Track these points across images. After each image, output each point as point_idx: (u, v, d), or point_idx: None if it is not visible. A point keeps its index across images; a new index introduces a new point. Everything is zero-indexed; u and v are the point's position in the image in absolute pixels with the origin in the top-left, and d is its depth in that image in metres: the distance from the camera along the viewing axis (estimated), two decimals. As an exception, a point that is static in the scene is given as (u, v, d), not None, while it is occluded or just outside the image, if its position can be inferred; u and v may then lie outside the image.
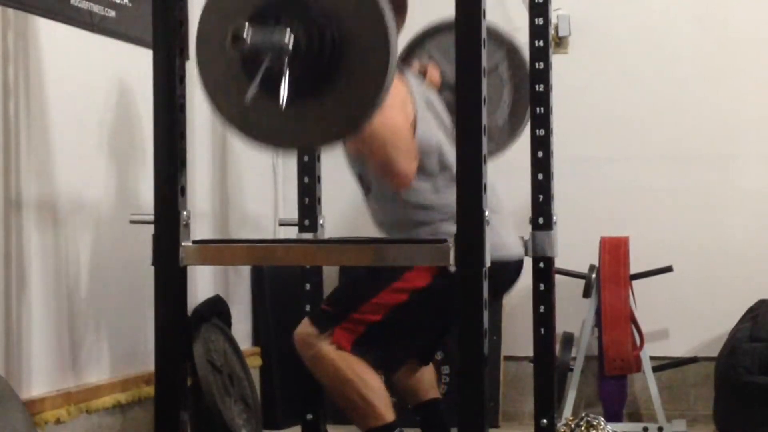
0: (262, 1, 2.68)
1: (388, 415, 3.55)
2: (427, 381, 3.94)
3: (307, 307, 4.06)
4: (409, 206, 3.63)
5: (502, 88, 4.10)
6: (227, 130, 2.84)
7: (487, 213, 2.70)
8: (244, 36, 2.56)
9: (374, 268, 3.60)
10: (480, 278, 2.71)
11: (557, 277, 3.97)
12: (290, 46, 2.62)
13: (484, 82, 2.72)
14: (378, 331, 3.55)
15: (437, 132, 3.66)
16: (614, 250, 4.92)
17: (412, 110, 3.61)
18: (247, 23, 2.57)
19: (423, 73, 3.94)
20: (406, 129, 3.55)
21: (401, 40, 3.91)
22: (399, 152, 3.50)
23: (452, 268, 2.74)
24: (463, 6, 2.71)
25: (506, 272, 3.67)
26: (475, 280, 2.72)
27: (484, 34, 2.73)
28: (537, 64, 3.88)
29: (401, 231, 3.65)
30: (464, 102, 2.73)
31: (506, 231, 3.67)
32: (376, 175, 3.63)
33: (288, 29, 2.62)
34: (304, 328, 3.62)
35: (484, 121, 2.71)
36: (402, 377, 3.91)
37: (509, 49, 4.07)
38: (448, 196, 3.49)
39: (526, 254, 3.84)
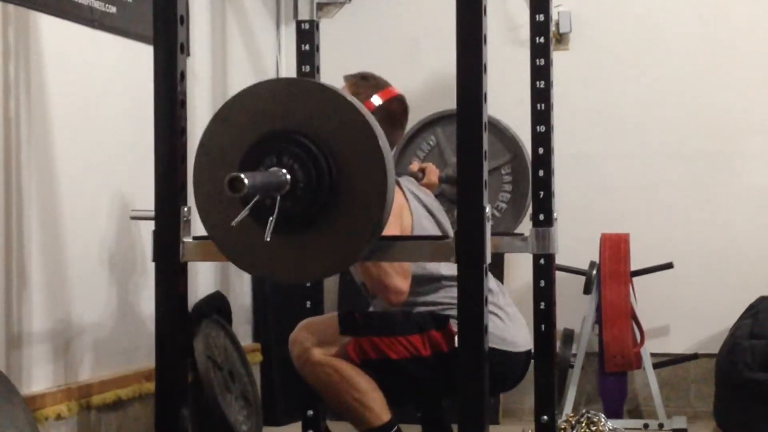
0: (260, 137, 2.67)
1: (384, 414, 3.56)
2: None
3: (308, 304, 4.07)
4: (411, 307, 3.66)
5: (499, 190, 4.15)
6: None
7: (488, 209, 2.70)
8: (243, 181, 2.51)
9: (413, 316, 3.62)
10: (481, 274, 2.71)
11: (558, 273, 3.97)
12: (287, 185, 2.60)
13: (485, 79, 2.71)
14: (386, 368, 3.57)
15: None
16: (615, 246, 4.92)
17: (408, 220, 3.64)
18: (243, 175, 2.52)
19: (421, 171, 3.97)
20: None
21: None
22: (392, 269, 3.54)
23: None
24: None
25: (515, 365, 3.70)
26: (476, 276, 2.72)
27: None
28: (538, 60, 3.88)
29: None
30: (465, 99, 2.73)
31: (514, 326, 3.71)
32: (371, 290, 3.67)
33: (285, 170, 2.61)
34: (299, 333, 3.63)
35: (485, 118, 2.71)
36: None
37: (515, 155, 4.11)
38: (448, 292, 3.57)
39: (527, 251, 3.84)
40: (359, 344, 3.56)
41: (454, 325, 3.52)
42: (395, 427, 3.57)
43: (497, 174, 4.13)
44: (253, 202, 2.56)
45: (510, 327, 3.67)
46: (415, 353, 3.58)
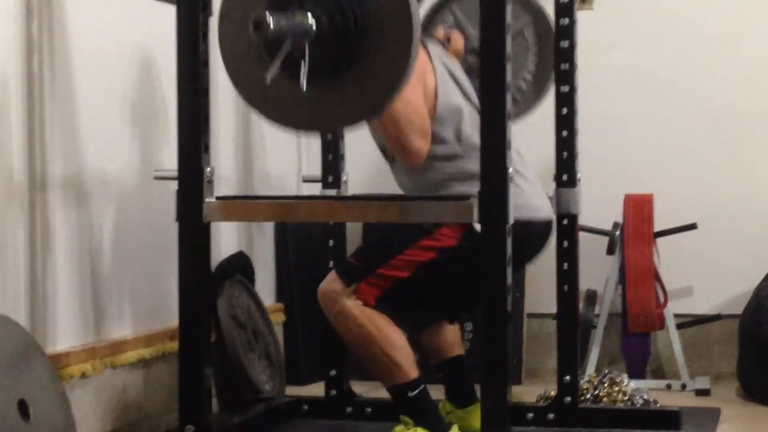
0: None
1: (412, 372, 3.55)
2: (452, 338, 3.93)
3: (331, 264, 4.07)
4: (427, 175, 3.60)
5: (527, 53, 4.08)
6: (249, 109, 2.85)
7: (510, 170, 2.69)
8: (267, 22, 2.55)
9: (403, 225, 3.57)
10: (503, 235, 2.71)
11: (581, 234, 3.96)
12: (313, 30, 2.62)
13: (508, 39, 2.71)
14: (404, 288, 3.53)
15: (456, 101, 3.62)
16: (638, 207, 4.91)
17: (432, 80, 3.58)
18: (267, 12, 2.56)
19: (447, 39, 3.90)
20: (421, 105, 3.52)
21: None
22: (413, 129, 3.49)
23: (477, 226, 2.74)
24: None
25: (532, 236, 3.59)
26: (498, 236, 2.72)
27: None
28: (562, 20, 3.86)
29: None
30: (488, 60, 2.73)
31: (533, 192, 3.62)
32: (390, 152, 3.63)
33: (310, 13, 2.62)
34: (329, 284, 3.60)
35: (508, 78, 2.71)
36: (426, 335, 3.91)
37: (536, 14, 4.05)
38: (464, 164, 3.51)
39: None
40: (368, 285, 3.52)
41: None
42: (422, 386, 3.57)
43: (522, 39, 4.05)
44: (283, 51, 2.62)
45: (526, 192, 3.55)
46: (422, 261, 3.52)
